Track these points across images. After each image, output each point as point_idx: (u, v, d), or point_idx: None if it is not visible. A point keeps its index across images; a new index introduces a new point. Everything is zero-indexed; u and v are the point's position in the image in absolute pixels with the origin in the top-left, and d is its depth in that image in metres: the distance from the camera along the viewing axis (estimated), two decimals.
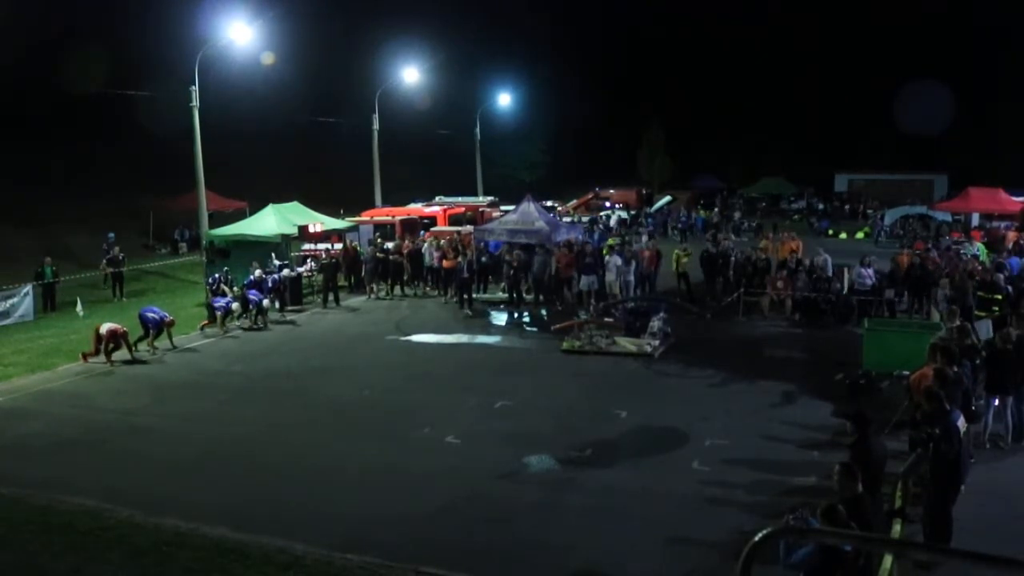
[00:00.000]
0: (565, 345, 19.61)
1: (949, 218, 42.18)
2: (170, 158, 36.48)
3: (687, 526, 10.38)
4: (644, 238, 31.90)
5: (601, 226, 42.79)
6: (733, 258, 25.56)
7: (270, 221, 28.53)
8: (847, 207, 59.09)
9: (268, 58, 42.07)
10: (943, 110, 56.21)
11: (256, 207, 32.49)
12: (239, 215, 36.58)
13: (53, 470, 12.62)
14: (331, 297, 26.53)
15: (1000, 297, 17.56)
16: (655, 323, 19.80)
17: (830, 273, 23.66)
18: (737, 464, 12.43)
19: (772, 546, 6.40)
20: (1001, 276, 19.11)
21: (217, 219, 35.52)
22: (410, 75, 46.24)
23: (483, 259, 26.68)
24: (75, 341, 21.35)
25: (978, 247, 25.52)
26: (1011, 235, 32.86)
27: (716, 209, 52.95)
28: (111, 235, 33.02)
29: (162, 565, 9.68)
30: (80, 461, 13.08)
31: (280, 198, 31.04)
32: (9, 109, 39.66)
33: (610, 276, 24.48)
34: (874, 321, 18.79)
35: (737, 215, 51.68)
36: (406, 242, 29.13)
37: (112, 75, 38.11)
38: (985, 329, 14.95)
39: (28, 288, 25.19)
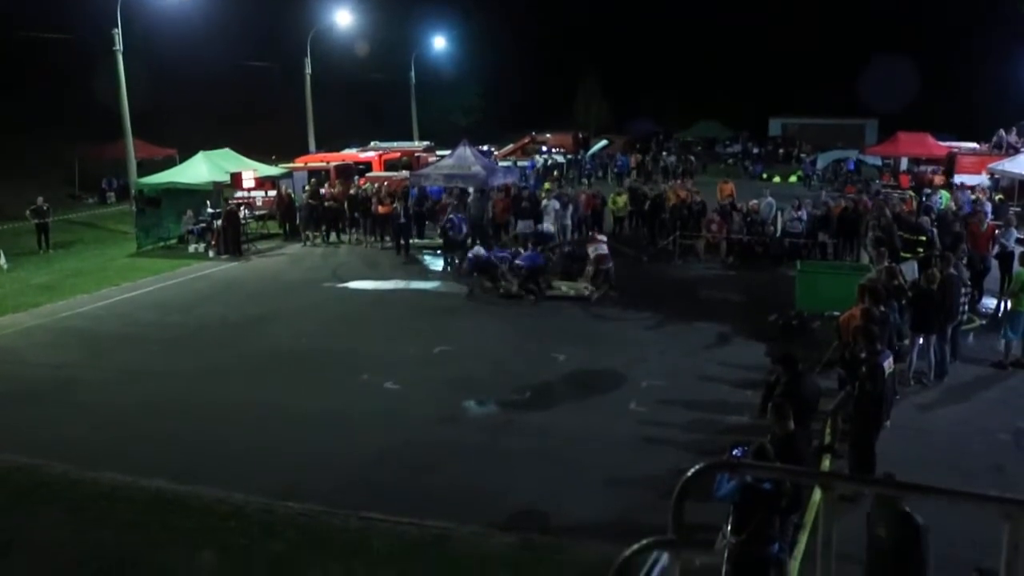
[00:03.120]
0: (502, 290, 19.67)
1: (879, 162, 43.10)
2: (95, 105, 35.26)
3: (624, 466, 10.60)
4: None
5: (541, 169, 42.84)
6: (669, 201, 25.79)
7: (201, 169, 28.00)
8: (780, 151, 59.83)
9: None
10: (876, 56, 56.88)
11: (186, 155, 31.80)
12: (169, 163, 35.65)
13: None
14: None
15: (924, 239, 18.03)
16: (591, 266, 19.95)
17: (771, 216, 24.06)
18: (673, 404, 12.70)
19: (708, 480, 6.59)
20: (926, 219, 19.60)
21: (146, 167, 34.60)
22: (343, 17, 45.28)
23: (424, 205, 26.57)
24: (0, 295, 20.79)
25: (941, 195, 26.03)
26: (937, 179, 33.70)
27: (651, 154, 53.05)
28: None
29: (102, 520, 9.59)
30: (12, 417, 12.78)
31: (211, 145, 30.39)
32: None
33: (548, 220, 24.48)
34: (806, 263, 19.19)
35: (672, 159, 51.97)
36: (339, 188, 28.81)
37: (30, 17, 36.59)
38: (911, 270, 15.38)
39: None
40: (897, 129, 43.18)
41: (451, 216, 23.50)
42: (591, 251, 19.84)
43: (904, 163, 40.57)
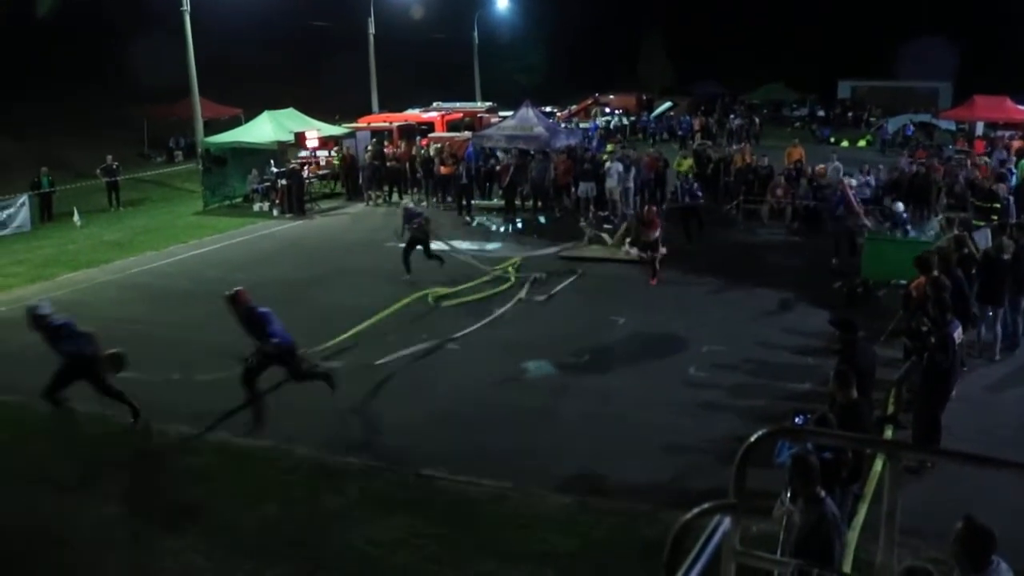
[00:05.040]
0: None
1: (953, 127, 41.68)
2: (162, 65, 35.76)
3: (682, 430, 10.57)
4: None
5: (604, 130, 42.48)
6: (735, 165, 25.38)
7: (266, 128, 28.34)
8: (850, 114, 58.24)
9: None
10: (950, 16, 54.96)
11: (251, 114, 32.19)
12: (235, 122, 36.13)
13: None
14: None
15: (998, 206, 17.45)
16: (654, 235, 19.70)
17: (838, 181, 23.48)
18: (733, 370, 12.60)
19: (769, 447, 6.54)
20: (1002, 186, 18.95)
21: (213, 127, 35.13)
22: None
23: (487, 164, 26.55)
24: (73, 251, 21.41)
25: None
26: (1016, 144, 32.50)
27: (715, 116, 52.18)
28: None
29: (169, 470, 9.90)
30: None
31: (275, 104, 30.72)
32: None
33: (611, 183, 24.20)
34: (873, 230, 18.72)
35: (738, 122, 50.97)
36: (402, 148, 28.95)
37: None
38: (983, 238, 14.92)
39: (24, 198, 25.04)
40: (973, 92, 41.65)
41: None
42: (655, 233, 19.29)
43: (980, 128, 39.20)
